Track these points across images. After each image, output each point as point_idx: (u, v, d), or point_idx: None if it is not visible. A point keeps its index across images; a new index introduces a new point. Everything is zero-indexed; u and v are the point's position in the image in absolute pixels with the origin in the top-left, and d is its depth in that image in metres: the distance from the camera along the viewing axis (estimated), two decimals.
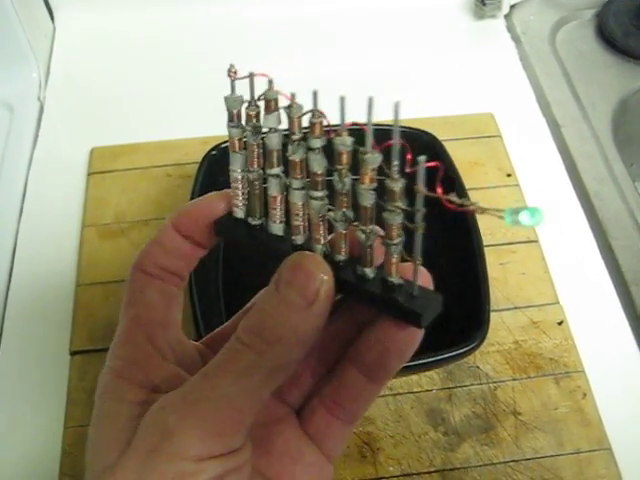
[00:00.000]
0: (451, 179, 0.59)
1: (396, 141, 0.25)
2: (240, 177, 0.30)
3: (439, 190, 0.25)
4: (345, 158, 0.27)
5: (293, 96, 0.28)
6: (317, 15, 0.84)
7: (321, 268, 0.26)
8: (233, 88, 0.29)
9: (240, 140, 0.30)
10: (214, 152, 0.61)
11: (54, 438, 0.54)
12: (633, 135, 0.80)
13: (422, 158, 0.24)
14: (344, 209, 0.28)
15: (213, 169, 0.60)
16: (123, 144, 0.72)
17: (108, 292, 0.61)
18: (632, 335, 0.60)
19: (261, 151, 0.30)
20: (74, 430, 0.54)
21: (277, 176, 0.29)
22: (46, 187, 0.69)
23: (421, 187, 0.25)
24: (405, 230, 0.27)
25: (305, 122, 0.28)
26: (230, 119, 0.30)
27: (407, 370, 0.52)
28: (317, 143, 0.28)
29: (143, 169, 0.69)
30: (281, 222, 0.30)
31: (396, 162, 0.25)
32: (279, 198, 0.30)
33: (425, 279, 0.28)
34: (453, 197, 0.25)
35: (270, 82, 0.28)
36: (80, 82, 0.79)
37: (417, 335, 0.27)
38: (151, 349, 0.29)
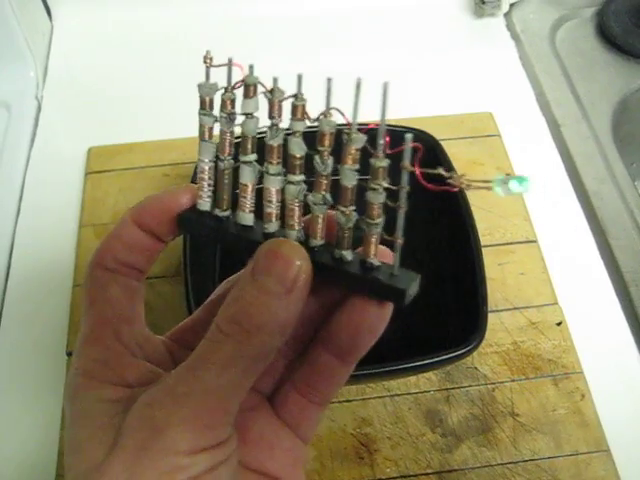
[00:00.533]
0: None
1: (383, 122, 0.26)
2: (207, 167, 0.30)
3: (417, 170, 0.26)
4: (328, 140, 0.27)
5: (275, 80, 0.28)
6: (316, 14, 0.84)
7: (298, 253, 0.26)
8: (208, 75, 0.29)
9: (211, 129, 0.30)
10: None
11: (51, 439, 0.54)
12: (633, 134, 0.79)
13: (409, 135, 0.25)
14: (323, 192, 0.28)
15: None
16: (121, 144, 0.71)
17: None
18: (631, 336, 0.59)
19: (233, 139, 0.29)
20: None
21: (250, 163, 0.29)
22: (43, 186, 0.69)
23: (406, 163, 0.25)
24: (387, 209, 0.27)
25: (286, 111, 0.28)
26: (202, 106, 0.29)
27: (405, 371, 0.51)
28: (299, 126, 0.28)
29: (140, 169, 0.69)
30: (251, 211, 0.30)
31: (381, 141, 0.26)
32: (250, 186, 0.29)
33: (387, 256, 0.28)
34: (441, 171, 0.26)
35: (251, 67, 0.28)
36: (78, 81, 0.79)
37: (387, 310, 0.28)
38: (120, 347, 0.29)
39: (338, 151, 0.27)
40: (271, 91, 0.28)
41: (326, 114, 0.27)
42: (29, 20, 0.76)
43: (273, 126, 0.28)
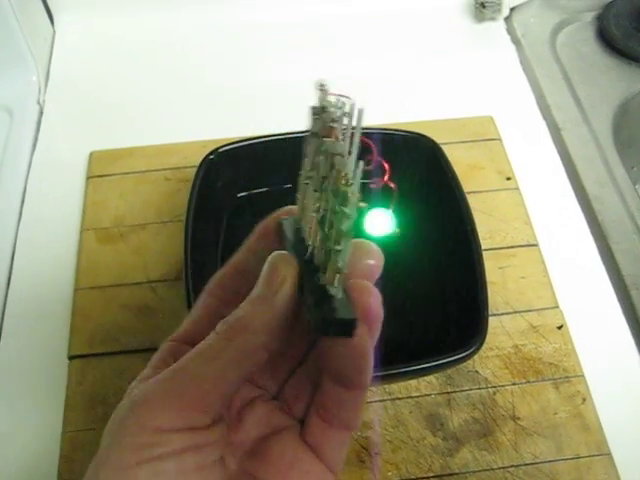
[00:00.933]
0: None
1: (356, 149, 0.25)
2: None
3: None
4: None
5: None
6: (317, 19, 0.84)
7: (285, 261, 0.28)
8: (322, 102, 0.27)
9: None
10: (212, 156, 0.60)
11: (52, 443, 0.54)
12: (634, 138, 0.79)
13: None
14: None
15: (211, 173, 0.60)
16: (122, 148, 0.72)
17: (107, 296, 0.60)
18: (632, 340, 0.59)
19: None
20: (72, 435, 0.53)
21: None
22: (45, 191, 0.69)
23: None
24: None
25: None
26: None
27: (406, 375, 0.52)
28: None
29: (142, 173, 0.69)
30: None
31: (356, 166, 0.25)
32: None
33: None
34: None
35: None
36: (79, 86, 0.79)
37: (368, 339, 0.27)
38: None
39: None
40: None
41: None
42: (31, 25, 0.77)
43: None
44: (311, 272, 0.27)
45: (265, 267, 0.28)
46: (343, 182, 0.25)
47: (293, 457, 0.29)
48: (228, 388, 0.28)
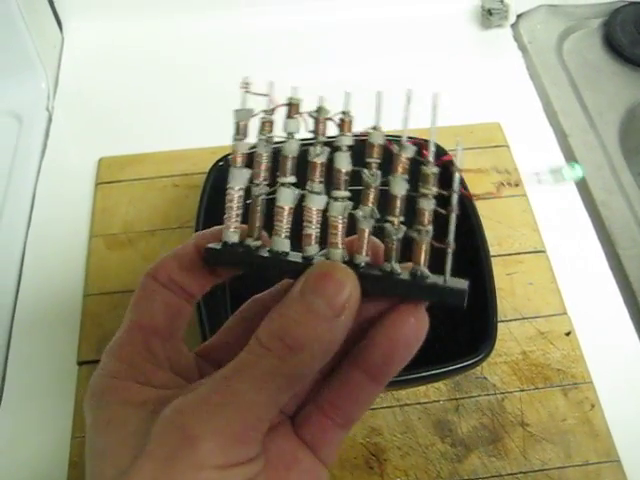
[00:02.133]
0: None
1: (433, 133, 0.27)
2: (237, 196, 0.29)
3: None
4: (377, 151, 0.28)
5: (322, 99, 0.28)
6: (324, 25, 0.85)
7: (351, 279, 0.26)
8: (244, 101, 0.29)
9: (244, 155, 0.29)
10: (222, 163, 0.61)
11: (61, 449, 0.54)
12: None
13: (460, 146, 0.27)
14: (372, 205, 0.28)
15: (221, 180, 0.60)
16: (131, 154, 0.72)
17: (116, 302, 0.61)
18: None
19: (269, 163, 0.29)
20: (82, 440, 0.54)
21: (289, 185, 0.29)
22: (54, 197, 0.70)
23: (458, 168, 0.27)
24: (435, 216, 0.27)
25: (326, 129, 0.28)
26: (237, 132, 0.29)
27: (415, 381, 0.52)
28: (347, 141, 0.28)
29: (151, 179, 0.70)
30: (286, 237, 0.29)
31: (433, 149, 0.27)
32: (287, 210, 0.29)
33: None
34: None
35: (295, 89, 0.28)
36: (88, 92, 0.79)
37: (424, 327, 0.28)
38: (147, 354, 0.29)
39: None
40: (318, 110, 0.28)
41: (376, 127, 0.27)
42: (40, 32, 0.77)
43: (317, 144, 0.28)
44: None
45: (319, 277, 0.26)
46: (425, 166, 0.27)
47: (292, 457, 0.29)
48: (276, 412, 0.26)
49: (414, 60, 0.82)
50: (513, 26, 0.86)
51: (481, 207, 0.58)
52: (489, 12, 0.84)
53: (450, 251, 0.27)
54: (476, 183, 0.66)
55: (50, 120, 0.76)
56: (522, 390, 0.56)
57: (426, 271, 0.27)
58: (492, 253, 0.56)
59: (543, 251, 0.64)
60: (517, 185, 0.68)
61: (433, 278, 0.27)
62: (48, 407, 0.57)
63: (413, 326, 0.27)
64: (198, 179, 0.64)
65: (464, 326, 0.55)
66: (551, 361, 0.58)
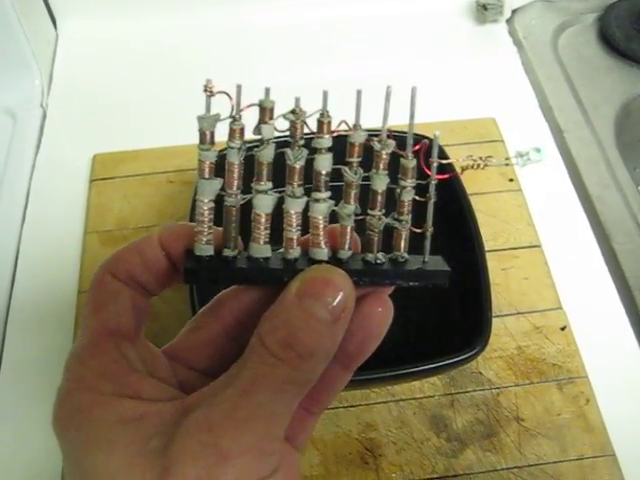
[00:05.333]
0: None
1: (411, 128, 0.28)
2: (207, 208, 0.28)
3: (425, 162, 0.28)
4: (358, 150, 0.28)
5: (297, 100, 0.28)
6: (318, 21, 0.85)
7: (346, 282, 0.27)
8: (208, 106, 0.27)
9: (212, 165, 0.28)
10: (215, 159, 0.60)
11: (56, 448, 0.53)
12: (636, 139, 0.79)
13: (437, 133, 0.27)
14: (353, 203, 0.28)
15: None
16: (125, 151, 0.72)
17: None
18: (635, 340, 0.59)
19: (242, 172, 0.28)
20: None
21: (266, 192, 0.28)
22: (48, 193, 0.70)
23: (435, 157, 0.28)
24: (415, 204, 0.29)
25: (304, 129, 0.28)
26: (201, 141, 0.27)
27: (410, 376, 0.52)
28: (326, 143, 0.28)
29: (145, 175, 0.70)
30: (266, 242, 0.28)
31: (410, 143, 0.28)
32: (264, 216, 0.28)
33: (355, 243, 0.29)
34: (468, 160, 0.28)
35: (267, 90, 0.27)
36: (82, 89, 0.79)
37: (390, 313, 0.29)
38: (124, 361, 0.27)
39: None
40: (293, 112, 0.27)
41: (356, 126, 0.28)
42: (34, 29, 0.77)
43: (295, 147, 0.28)
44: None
45: (317, 282, 0.26)
46: (405, 158, 0.28)
47: None
48: (290, 421, 0.26)
49: (409, 56, 0.82)
50: (508, 21, 0.86)
51: (476, 202, 0.58)
52: (484, 7, 0.84)
53: (429, 234, 0.29)
54: (471, 179, 0.66)
55: (44, 117, 0.76)
56: (517, 385, 0.56)
57: (405, 255, 0.29)
58: (487, 248, 0.56)
59: (538, 246, 0.64)
60: (512, 180, 0.68)
61: (413, 260, 0.29)
62: (44, 408, 0.56)
63: (382, 314, 0.29)
64: (192, 175, 0.64)
65: (459, 321, 0.55)
66: (546, 356, 0.58)
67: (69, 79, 0.80)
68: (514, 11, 0.86)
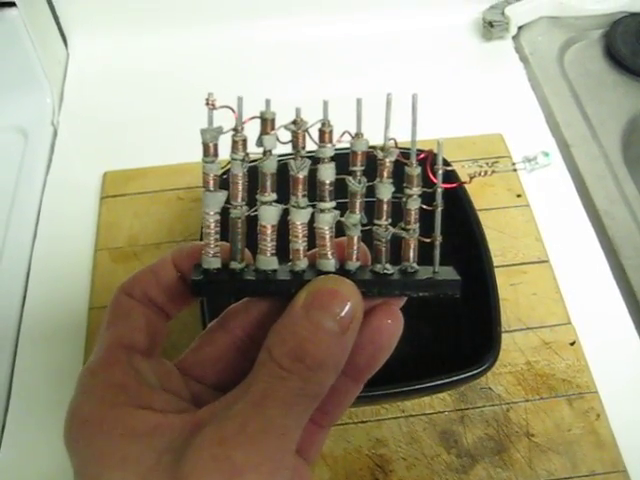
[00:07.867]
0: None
1: (414, 136, 0.28)
2: (214, 220, 0.28)
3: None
4: (361, 159, 0.28)
5: (298, 111, 0.28)
6: (325, 38, 0.85)
7: (354, 293, 0.27)
8: (211, 119, 0.28)
9: (216, 177, 0.28)
10: (224, 175, 0.61)
11: (67, 464, 0.54)
12: None
13: (441, 140, 0.27)
14: (359, 212, 0.28)
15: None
16: (135, 168, 0.72)
17: None
18: None
19: (246, 183, 0.28)
20: None
21: (271, 203, 0.28)
22: (59, 211, 0.70)
23: (440, 165, 0.28)
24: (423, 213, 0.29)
25: (308, 141, 0.28)
26: (205, 153, 0.28)
27: (419, 392, 0.52)
28: (329, 153, 0.28)
29: (155, 193, 0.70)
30: (272, 254, 0.29)
31: (415, 151, 0.28)
32: (270, 228, 0.28)
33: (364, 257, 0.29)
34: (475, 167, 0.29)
35: (267, 102, 0.27)
36: (93, 107, 0.80)
37: (400, 326, 0.29)
38: (136, 374, 0.27)
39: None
40: (294, 122, 0.27)
41: (358, 134, 0.28)
42: (45, 47, 0.78)
43: (297, 157, 0.28)
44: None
45: (324, 293, 0.26)
46: (409, 167, 0.28)
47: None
48: (300, 434, 0.26)
49: (416, 72, 0.82)
50: (514, 38, 0.86)
51: (484, 218, 0.58)
52: (490, 24, 0.84)
53: (438, 243, 0.29)
54: (479, 194, 0.66)
55: (55, 135, 0.77)
56: (527, 400, 0.56)
57: (415, 265, 0.29)
58: (495, 263, 0.56)
59: (546, 261, 0.64)
60: (520, 196, 0.69)
61: (423, 271, 0.29)
62: (54, 421, 0.57)
63: (392, 326, 0.29)
64: (202, 192, 0.64)
65: (469, 336, 0.55)
66: (556, 371, 0.57)
67: (80, 97, 0.81)
68: (520, 28, 0.86)
